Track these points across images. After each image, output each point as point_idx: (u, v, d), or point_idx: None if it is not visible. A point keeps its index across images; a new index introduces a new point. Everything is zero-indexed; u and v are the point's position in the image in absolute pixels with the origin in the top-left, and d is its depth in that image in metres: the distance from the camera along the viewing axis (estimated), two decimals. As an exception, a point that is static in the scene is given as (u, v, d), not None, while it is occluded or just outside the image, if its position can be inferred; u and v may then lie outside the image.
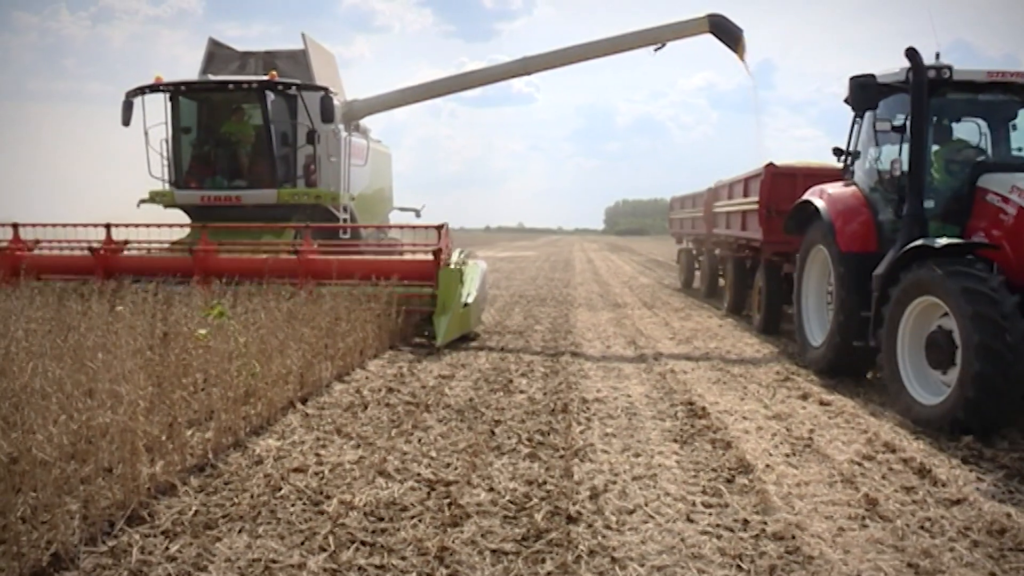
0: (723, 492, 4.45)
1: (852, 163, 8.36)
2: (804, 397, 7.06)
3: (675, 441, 5.55)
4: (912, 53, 6.93)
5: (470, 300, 9.78)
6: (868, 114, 7.86)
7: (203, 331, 5.79)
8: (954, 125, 7.72)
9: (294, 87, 12.26)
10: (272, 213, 12.19)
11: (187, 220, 12.62)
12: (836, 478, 4.74)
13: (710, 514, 4.13)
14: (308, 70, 13.26)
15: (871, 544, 3.78)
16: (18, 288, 8.72)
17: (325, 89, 12.28)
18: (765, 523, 3.99)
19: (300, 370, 6.33)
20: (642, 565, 3.50)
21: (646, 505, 4.22)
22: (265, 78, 12.11)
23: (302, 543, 3.65)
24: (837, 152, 8.51)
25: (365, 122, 15.11)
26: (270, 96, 12.18)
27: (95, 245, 10.37)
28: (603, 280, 22.41)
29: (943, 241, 6.35)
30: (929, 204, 7.05)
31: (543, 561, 3.53)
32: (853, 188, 8.09)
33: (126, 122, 12.15)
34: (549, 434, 5.64)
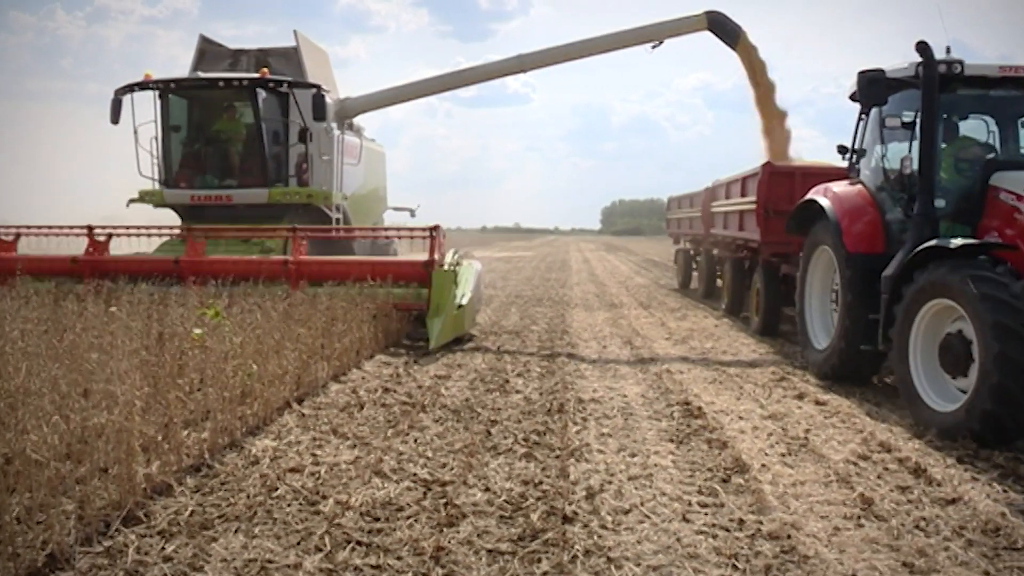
0: (719, 492, 4.46)
1: (857, 161, 8.17)
2: (800, 397, 7.08)
3: (671, 441, 5.55)
4: (923, 47, 6.71)
5: (464, 302, 9.63)
6: (875, 111, 7.68)
7: (198, 331, 5.79)
8: (960, 123, 7.53)
9: (286, 85, 12.11)
10: (263, 213, 12.03)
11: (177, 220, 12.52)
12: (832, 478, 4.75)
13: (706, 514, 4.14)
14: (300, 68, 13.13)
15: (866, 543, 3.79)
16: (14, 288, 8.70)
17: (317, 87, 12.12)
18: (761, 523, 3.99)
19: (296, 370, 6.33)
20: (638, 565, 3.51)
21: (642, 505, 4.23)
22: (256, 76, 11.98)
23: (298, 543, 3.65)
24: (842, 150, 8.34)
25: (359, 121, 15.01)
26: (261, 94, 12.05)
27: (78, 254, 10.26)
28: (599, 280, 22.42)
29: (958, 241, 6.10)
30: (940, 203, 6.85)
31: (539, 561, 3.53)
32: (859, 187, 7.90)
33: (115, 120, 12.00)
34: (545, 434, 5.65)
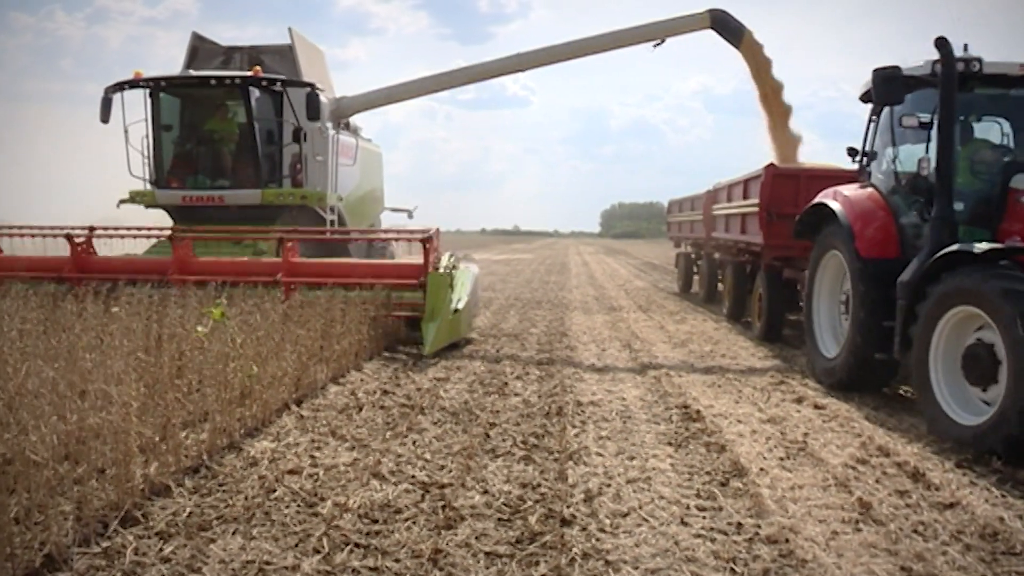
0: (717, 495, 4.45)
1: (868, 164, 7.95)
2: (799, 401, 7.07)
3: (669, 444, 5.55)
4: (943, 43, 6.44)
5: (460, 306, 9.43)
6: (886, 112, 7.47)
7: (202, 328, 5.79)
8: (973, 124, 7.29)
9: (279, 83, 11.89)
10: (256, 214, 11.81)
11: (169, 221, 12.24)
12: (830, 482, 4.75)
13: (704, 517, 4.14)
14: (295, 66, 12.89)
15: (864, 548, 3.79)
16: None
17: (311, 85, 11.89)
18: (759, 526, 3.99)
19: (295, 372, 6.32)
20: (636, 568, 3.51)
21: (640, 508, 4.23)
22: (249, 74, 11.76)
23: (296, 545, 3.64)
24: (852, 152, 8.10)
25: (356, 121, 14.82)
26: (254, 92, 11.83)
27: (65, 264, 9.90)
28: (598, 283, 22.42)
29: (984, 246, 5.74)
30: (958, 207, 6.60)
31: (537, 564, 3.53)
32: (870, 190, 7.65)
33: (105, 119, 11.76)
34: (544, 437, 5.64)
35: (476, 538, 3.78)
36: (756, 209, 10.81)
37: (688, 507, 4.27)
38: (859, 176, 8.07)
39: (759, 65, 13.88)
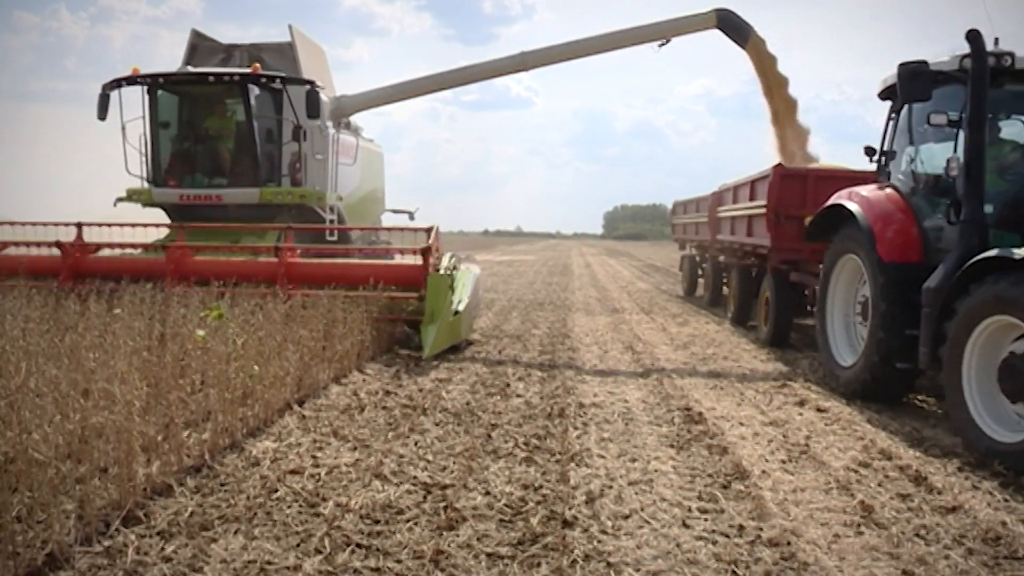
0: (719, 498, 4.45)
1: (887, 164, 7.65)
2: (801, 404, 7.07)
3: (671, 446, 5.55)
4: (975, 36, 6.15)
5: (461, 308, 9.20)
6: (906, 109, 7.18)
7: (201, 332, 5.79)
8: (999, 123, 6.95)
9: (278, 80, 11.69)
10: (255, 213, 11.63)
11: (166, 220, 12.04)
12: (832, 485, 4.75)
13: (706, 519, 4.14)
14: (295, 63, 12.72)
15: (866, 551, 3.78)
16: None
17: (311, 83, 11.70)
18: (760, 529, 3.99)
19: (297, 372, 6.33)
20: (637, 570, 3.51)
21: (642, 510, 4.23)
22: (247, 71, 11.58)
23: (298, 545, 3.65)
24: (869, 152, 7.78)
25: (359, 122, 14.68)
26: (253, 90, 11.65)
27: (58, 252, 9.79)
28: (601, 285, 22.42)
29: None
30: (987, 209, 6.26)
31: (538, 565, 3.53)
32: (890, 191, 7.33)
33: (102, 116, 11.61)
34: (545, 438, 5.64)
35: (478, 539, 3.78)
36: (763, 211, 10.53)
37: (690, 509, 4.27)
38: (878, 176, 7.79)
39: (764, 62, 13.71)
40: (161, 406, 4.58)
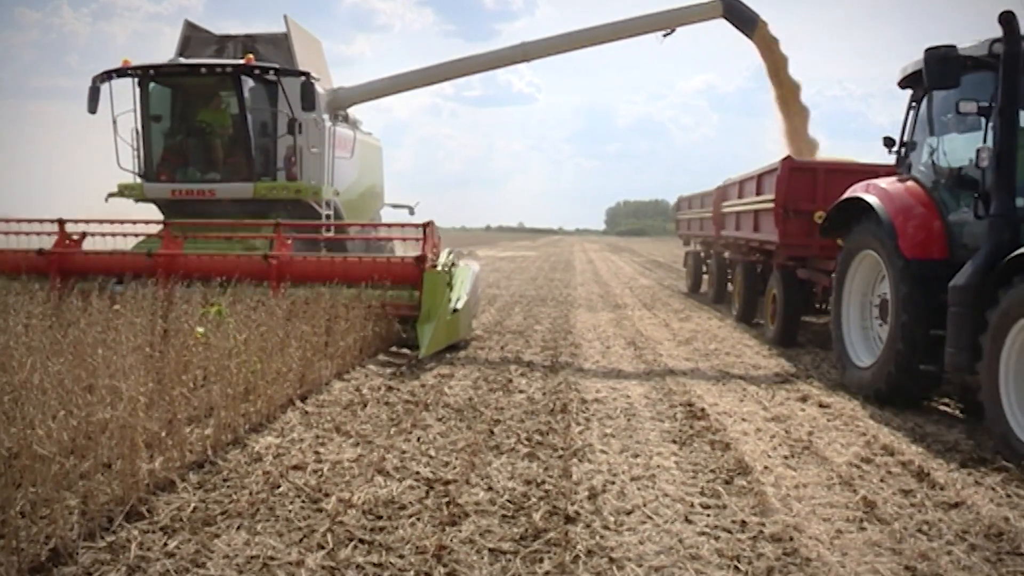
0: (721, 493, 4.45)
1: (907, 155, 7.36)
2: (803, 399, 7.06)
3: (674, 442, 5.55)
4: (1008, 18, 5.87)
5: (459, 305, 8.96)
6: (927, 98, 6.93)
7: (201, 329, 5.79)
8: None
9: (273, 72, 11.37)
10: (249, 208, 11.26)
11: (158, 215, 11.74)
12: (834, 480, 4.75)
13: (708, 515, 4.14)
14: (290, 54, 12.39)
15: (869, 547, 3.78)
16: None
17: (306, 74, 11.34)
18: (763, 524, 3.99)
19: (300, 368, 6.34)
20: (640, 566, 3.51)
21: (644, 506, 4.23)
22: (241, 62, 11.27)
23: (300, 540, 3.65)
24: (888, 143, 7.53)
25: (358, 116, 14.46)
26: (248, 82, 11.34)
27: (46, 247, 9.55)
28: (603, 281, 22.41)
29: None
30: (1021, 203, 5.97)
31: (541, 561, 3.53)
32: (911, 183, 7.02)
33: (92, 110, 11.29)
34: (548, 434, 5.65)
35: (480, 535, 3.79)
36: (771, 205, 10.21)
37: (692, 505, 4.27)
38: (897, 168, 7.51)
39: (775, 59, 13.39)
40: (164, 402, 4.59)
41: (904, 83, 7.41)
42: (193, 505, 3.98)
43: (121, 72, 11.40)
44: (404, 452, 5.06)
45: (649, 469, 4.88)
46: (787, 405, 6.84)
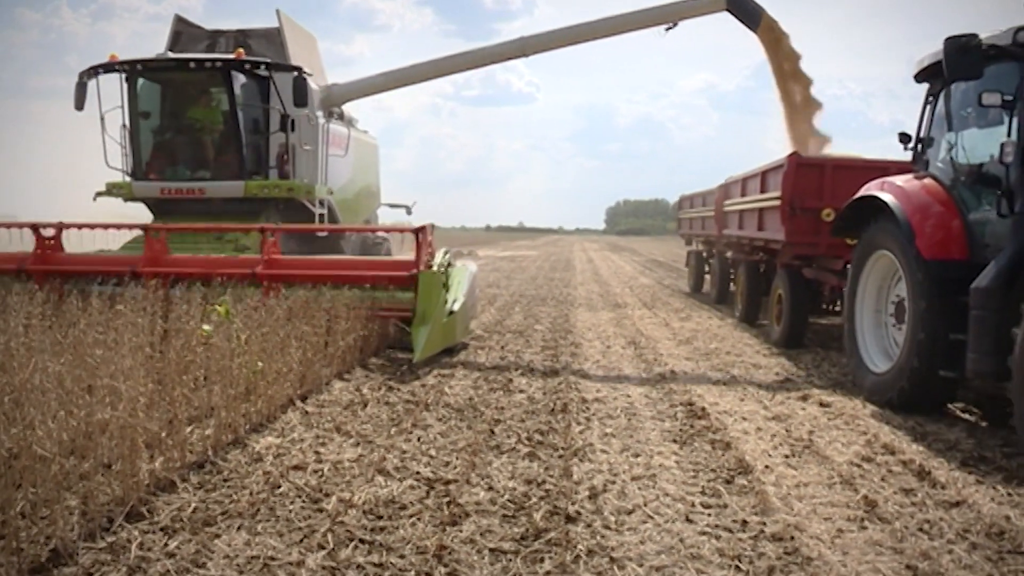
0: (722, 493, 4.45)
1: (923, 152, 7.11)
2: (804, 398, 7.06)
3: (674, 441, 5.55)
4: None
5: (456, 308, 8.74)
6: (945, 91, 6.71)
7: (207, 327, 5.79)
8: None
9: (264, 67, 11.10)
10: (240, 207, 11.02)
11: (148, 215, 11.60)
12: (835, 479, 4.74)
13: (709, 514, 4.13)
14: (283, 49, 12.10)
15: (870, 546, 3.78)
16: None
17: (298, 69, 11.08)
18: (764, 524, 3.99)
19: (300, 368, 6.33)
20: (641, 565, 3.51)
21: (645, 505, 4.22)
22: (231, 57, 10.92)
23: (301, 541, 3.65)
24: (904, 139, 7.29)
25: (353, 114, 14.24)
26: (238, 77, 11.06)
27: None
28: (603, 280, 22.41)
29: None
30: None
31: (542, 560, 3.53)
32: (928, 181, 6.76)
33: (79, 106, 11.04)
34: (548, 433, 5.64)
35: (481, 534, 3.79)
36: (776, 203, 9.92)
37: (693, 504, 4.27)
38: (914, 165, 7.25)
39: (781, 52, 13.00)
40: (164, 402, 4.58)
41: (921, 76, 7.15)
42: (193, 505, 3.97)
43: (108, 67, 11.11)
44: (404, 452, 5.06)
45: (650, 468, 4.88)
46: (788, 404, 6.84)
